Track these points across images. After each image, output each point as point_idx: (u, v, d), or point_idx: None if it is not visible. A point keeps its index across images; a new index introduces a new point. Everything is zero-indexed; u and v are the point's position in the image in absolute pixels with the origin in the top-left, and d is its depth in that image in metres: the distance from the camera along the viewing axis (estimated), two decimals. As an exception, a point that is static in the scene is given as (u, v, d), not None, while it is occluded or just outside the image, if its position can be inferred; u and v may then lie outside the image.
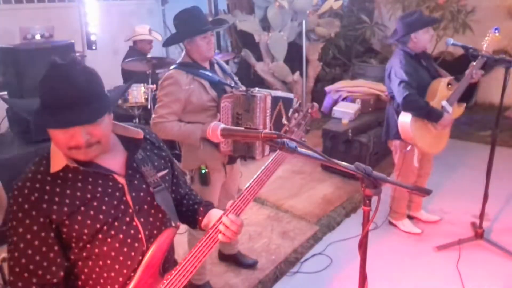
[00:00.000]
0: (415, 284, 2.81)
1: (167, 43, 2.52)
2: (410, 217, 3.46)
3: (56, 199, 1.23)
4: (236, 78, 2.60)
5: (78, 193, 1.25)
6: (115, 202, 1.29)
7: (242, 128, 1.23)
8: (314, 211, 3.67)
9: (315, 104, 1.75)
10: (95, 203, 1.26)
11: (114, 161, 1.33)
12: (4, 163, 3.15)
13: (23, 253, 1.22)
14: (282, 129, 2.45)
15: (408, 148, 3.10)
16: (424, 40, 3.00)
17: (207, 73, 2.40)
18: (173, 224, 1.39)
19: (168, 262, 1.44)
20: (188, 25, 2.36)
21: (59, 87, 1.16)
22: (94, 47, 4.88)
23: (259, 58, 5.96)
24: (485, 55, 2.90)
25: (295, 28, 5.74)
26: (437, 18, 2.98)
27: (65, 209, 1.23)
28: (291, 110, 1.45)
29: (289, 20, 5.64)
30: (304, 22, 5.64)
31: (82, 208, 1.24)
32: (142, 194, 1.35)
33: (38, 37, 4.00)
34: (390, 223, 3.44)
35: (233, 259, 2.99)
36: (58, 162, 1.26)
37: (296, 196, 3.98)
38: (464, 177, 4.17)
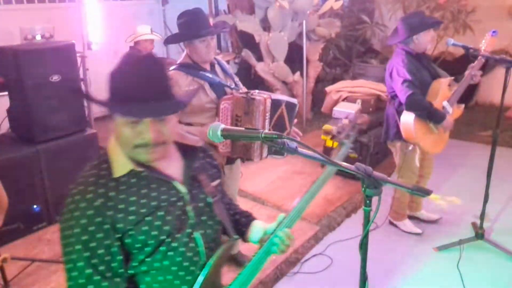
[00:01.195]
0: (416, 284, 2.81)
1: (167, 42, 2.53)
2: (410, 217, 3.46)
3: (121, 206, 1.14)
4: (236, 79, 2.60)
5: (143, 200, 1.17)
6: (178, 212, 1.21)
7: (243, 129, 1.23)
8: (315, 211, 3.66)
9: (365, 115, 1.70)
10: (160, 213, 1.18)
11: (173, 169, 1.26)
12: (5, 163, 3.15)
13: (88, 262, 1.10)
14: (285, 132, 2.45)
15: (410, 148, 3.10)
16: (425, 41, 3.00)
17: (208, 74, 2.40)
18: (231, 237, 1.33)
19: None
20: (188, 28, 2.36)
21: (135, 78, 1.12)
22: (94, 48, 4.88)
23: (260, 58, 5.95)
24: (485, 55, 2.90)
25: (295, 28, 5.74)
26: (439, 20, 3.00)
27: (131, 217, 1.14)
28: (342, 121, 1.46)
29: (290, 20, 5.63)
30: (304, 22, 5.63)
31: (148, 218, 1.16)
32: (201, 204, 1.28)
33: (38, 37, 4.00)
34: (391, 223, 3.44)
35: (234, 260, 2.99)
36: (121, 166, 1.18)
37: (296, 196, 3.97)
38: (465, 177, 4.16)
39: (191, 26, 2.35)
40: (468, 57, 2.98)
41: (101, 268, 1.12)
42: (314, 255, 3.12)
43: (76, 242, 1.11)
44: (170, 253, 1.19)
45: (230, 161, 2.54)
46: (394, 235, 3.34)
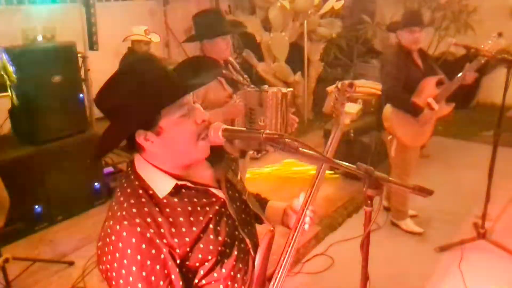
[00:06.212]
0: (417, 284, 2.81)
1: (189, 40, 2.72)
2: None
3: (173, 230, 1.09)
4: (246, 76, 2.76)
5: (192, 218, 1.13)
6: (225, 218, 1.20)
7: (244, 129, 1.24)
8: (315, 211, 3.66)
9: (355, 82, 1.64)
10: (211, 226, 1.15)
11: (205, 176, 1.24)
12: (7, 164, 3.15)
13: None
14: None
15: (389, 137, 3.18)
16: (406, 39, 3.05)
17: (223, 71, 2.54)
18: (269, 227, 1.33)
19: None
20: (212, 26, 2.52)
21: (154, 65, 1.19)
22: (95, 48, 4.87)
23: (261, 58, 5.95)
24: (485, 56, 2.91)
25: (296, 28, 5.74)
26: (420, 22, 2.98)
27: (186, 239, 1.11)
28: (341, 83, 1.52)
29: (291, 20, 5.63)
30: (305, 22, 5.64)
31: (202, 235, 1.13)
32: (238, 203, 1.28)
33: (40, 38, 4.00)
34: (392, 223, 3.44)
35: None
36: (164, 184, 1.12)
37: (297, 196, 3.97)
38: (466, 177, 4.16)
39: (215, 24, 2.53)
40: (470, 57, 2.99)
41: None
42: (315, 255, 3.12)
43: (136, 280, 1.06)
44: (225, 261, 1.19)
45: (242, 154, 2.62)
46: (395, 235, 3.34)
